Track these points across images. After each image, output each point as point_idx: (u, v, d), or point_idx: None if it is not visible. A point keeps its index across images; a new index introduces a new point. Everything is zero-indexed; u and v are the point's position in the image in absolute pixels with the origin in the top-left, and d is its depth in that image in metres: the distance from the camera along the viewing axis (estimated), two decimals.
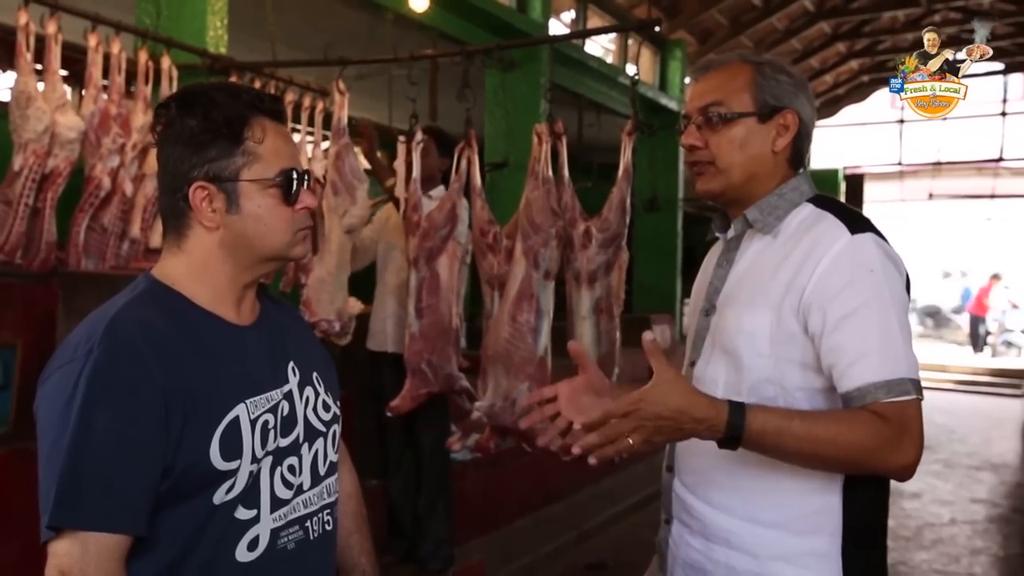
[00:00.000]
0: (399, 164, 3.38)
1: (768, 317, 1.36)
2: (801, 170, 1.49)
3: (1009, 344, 14.47)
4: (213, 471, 1.14)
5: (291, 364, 1.30)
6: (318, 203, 1.35)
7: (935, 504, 5.89)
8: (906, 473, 1.29)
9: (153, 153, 3.48)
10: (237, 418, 1.17)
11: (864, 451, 1.26)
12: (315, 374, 1.34)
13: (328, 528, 1.31)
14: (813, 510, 1.36)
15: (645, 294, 8.67)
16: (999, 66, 12.73)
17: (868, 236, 1.34)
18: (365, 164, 3.73)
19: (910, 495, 5.98)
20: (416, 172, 3.25)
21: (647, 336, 1.26)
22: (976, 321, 15.23)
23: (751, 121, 1.43)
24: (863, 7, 10.72)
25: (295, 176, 1.25)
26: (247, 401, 1.19)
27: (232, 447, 1.16)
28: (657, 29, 8.62)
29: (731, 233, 1.52)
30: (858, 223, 1.36)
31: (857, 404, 1.28)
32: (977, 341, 15.11)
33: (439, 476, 3.62)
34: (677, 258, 9.01)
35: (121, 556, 1.10)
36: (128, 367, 1.11)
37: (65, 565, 1.07)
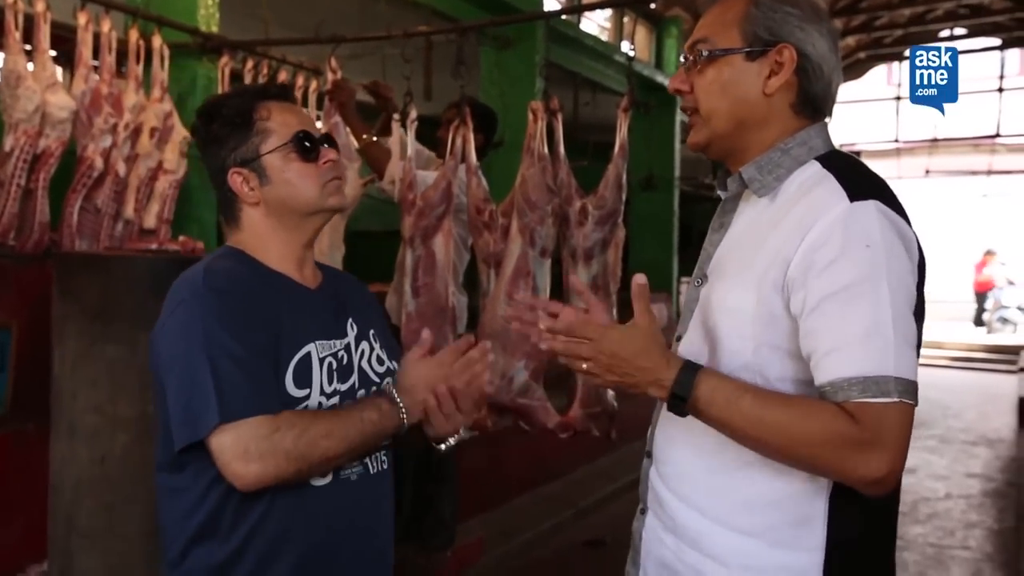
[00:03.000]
0: (394, 142, 3.35)
1: (752, 293, 1.19)
2: (818, 120, 1.29)
3: (1005, 320, 14.45)
4: (287, 396, 1.33)
5: (350, 320, 1.48)
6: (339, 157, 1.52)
7: (930, 479, 5.92)
8: (875, 488, 1.12)
9: (146, 133, 3.48)
10: (309, 354, 1.36)
11: (817, 449, 1.10)
12: (372, 331, 1.52)
13: (384, 467, 1.49)
14: (792, 520, 1.19)
15: (641, 272, 8.66)
16: (996, 41, 12.67)
17: (871, 204, 1.13)
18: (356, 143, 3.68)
19: (906, 470, 5.96)
20: (411, 151, 3.22)
21: (638, 278, 1.22)
22: (981, 298, 15.14)
23: (737, 59, 1.24)
24: None
25: (308, 135, 1.43)
26: (316, 342, 1.38)
27: (303, 378, 1.35)
28: (652, 6, 8.57)
29: (727, 192, 1.34)
30: (862, 188, 1.16)
31: (830, 400, 1.11)
32: (980, 317, 15.07)
33: (444, 455, 3.61)
34: (674, 237, 9.00)
35: (272, 430, 1.27)
36: (232, 297, 1.33)
37: (242, 447, 1.25)
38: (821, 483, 1.18)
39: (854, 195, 1.15)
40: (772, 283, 1.17)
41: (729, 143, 1.29)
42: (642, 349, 1.18)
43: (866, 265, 1.11)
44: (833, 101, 1.31)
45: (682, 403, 1.16)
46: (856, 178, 1.19)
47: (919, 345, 1.18)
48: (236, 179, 1.42)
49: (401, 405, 1.39)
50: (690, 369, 1.17)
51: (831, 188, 1.17)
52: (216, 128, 1.43)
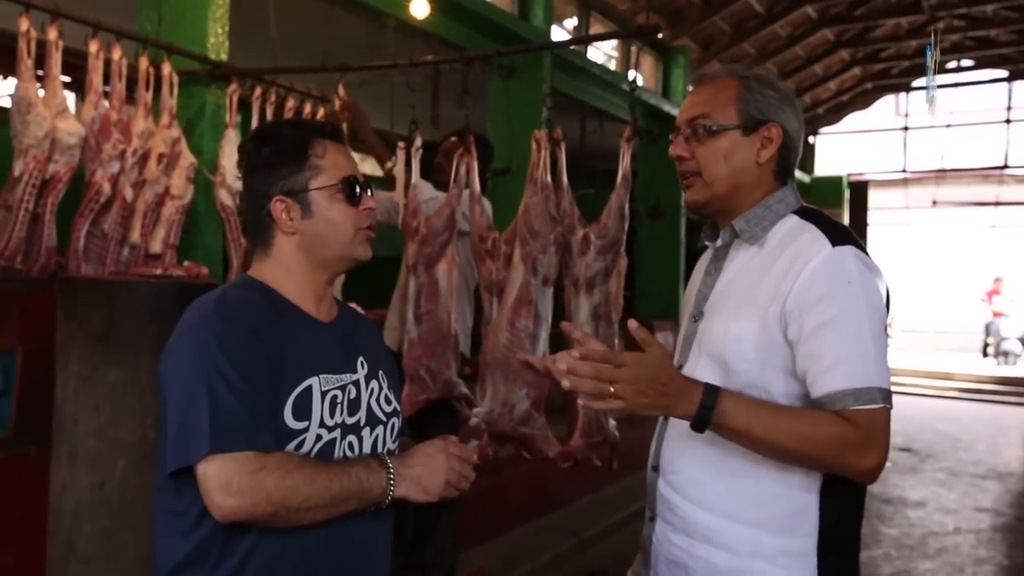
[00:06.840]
0: (399, 170, 3.37)
1: (754, 324, 1.41)
2: (789, 181, 1.53)
3: (1006, 353, 14.20)
4: (285, 428, 1.35)
5: (360, 358, 1.51)
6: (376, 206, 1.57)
7: (939, 513, 5.85)
8: (868, 477, 1.36)
9: (154, 159, 3.51)
10: (310, 387, 1.39)
11: (825, 449, 1.33)
12: (380, 371, 1.55)
13: (383, 505, 1.44)
14: (791, 510, 1.41)
15: (648, 301, 8.65)
16: (1003, 73, 12.71)
17: (848, 249, 1.39)
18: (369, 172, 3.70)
19: (914, 504, 5.94)
20: (415, 178, 3.24)
21: (632, 323, 1.35)
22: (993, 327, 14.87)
23: (735, 133, 1.48)
24: (866, 14, 10.70)
25: (356, 181, 1.48)
26: (320, 376, 1.41)
27: (302, 411, 1.37)
28: (660, 35, 8.63)
29: (719, 242, 1.56)
30: (840, 236, 1.41)
31: (828, 410, 1.34)
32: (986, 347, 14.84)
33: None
34: (680, 265, 8.99)
35: (258, 468, 1.28)
36: (240, 326, 1.35)
37: (224, 479, 1.26)
38: (814, 478, 1.41)
39: (835, 242, 1.40)
40: (773, 315, 1.39)
41: (725, 203, 1.51)
42: (669, 375, 1.33)
43: (849, 299, 1.36)
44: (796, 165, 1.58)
45: (708, 413, 1.32)
46: (832, 228, 1.43)
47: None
48: (278, 207, 1.45)
49: (392, 473, 1.39)
50: (712, 390, 1.34)
51: (815, 236, 1.42)
52: (268, 154, 1.47)
